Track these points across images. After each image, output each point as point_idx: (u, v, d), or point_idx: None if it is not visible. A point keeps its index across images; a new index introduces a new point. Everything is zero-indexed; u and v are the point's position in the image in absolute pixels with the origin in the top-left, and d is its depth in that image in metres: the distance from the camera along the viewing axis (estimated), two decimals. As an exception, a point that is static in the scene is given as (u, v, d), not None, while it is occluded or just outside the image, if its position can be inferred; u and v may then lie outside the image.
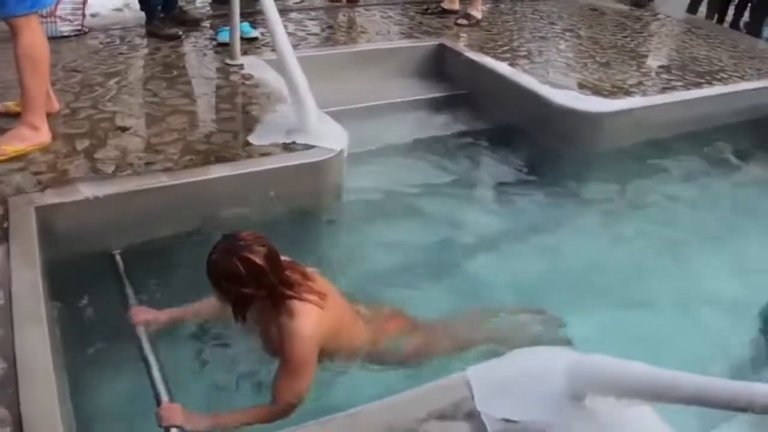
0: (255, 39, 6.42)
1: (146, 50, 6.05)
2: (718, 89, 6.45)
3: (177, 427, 2.85)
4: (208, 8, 7.25)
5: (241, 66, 5.79)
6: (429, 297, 4.14)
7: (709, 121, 6.23)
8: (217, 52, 6.10)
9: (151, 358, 3.17)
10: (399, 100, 6.33)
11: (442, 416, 2.65)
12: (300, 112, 4.64)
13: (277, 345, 3.02)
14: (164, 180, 4.02)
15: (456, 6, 7.90)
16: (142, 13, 6.46)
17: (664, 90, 6.27)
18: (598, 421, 2.58)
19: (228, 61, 5.84)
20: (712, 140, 6.18)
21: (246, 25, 6.34)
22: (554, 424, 2.59)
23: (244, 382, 3.34)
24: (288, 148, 4.48)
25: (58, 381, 2.74)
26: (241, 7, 5.65)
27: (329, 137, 4.59)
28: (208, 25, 6.78)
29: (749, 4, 9.53)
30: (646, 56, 7.26)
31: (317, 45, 6.66)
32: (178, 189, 4.03)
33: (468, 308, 4.01)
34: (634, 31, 8.12)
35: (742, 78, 6.76)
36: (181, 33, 6.38)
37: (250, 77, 5.61)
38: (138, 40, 6.24)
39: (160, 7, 6.46)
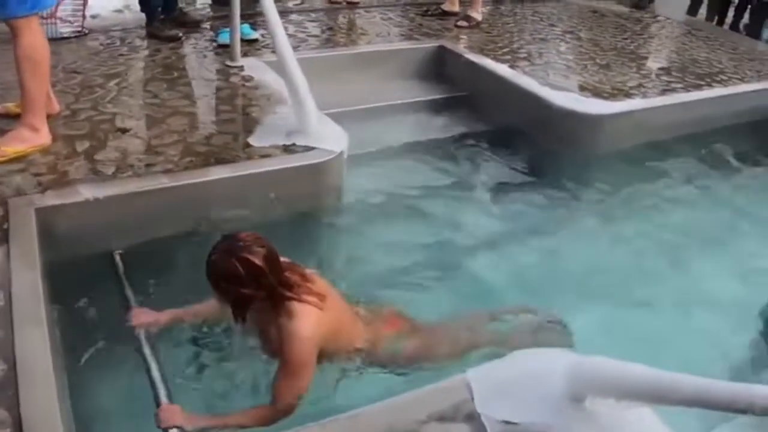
0: (255, 41, 6.43)
1: (146, 52, 6.05)
2: (718, 91, 6.46)
3: (177, 427, 2.85)
4: (209, 10, 7.27)
5: (241, 68, 5.79)
6: (429, 298, 4.14)
7: (709, 123, 6.23)
8: (217, 54, 6.10)
9: (151, 360, 3.17)
10: (399, 101, 6.33)
11: (442, 418, 2.64)
12: (300, 113, 4.64)
13: (276, 346, 3.02)
14: (164, 181, 4.02)
15: (456, 8, 7.91)
16: (143, 15, 6.47)
17: (664, 92, 6.27)
18: (598, 422, 2.57)
19: (228, 62, 5.85)
20: (712, 142, 6.18)
21: (246, 26, 6.35)
22: (554, 426, 2.59)
23: (243, 384, 3.33)
24: (288, 149, 4.48)
25: (58, 382, 2.74)
26: (242, 9, 5.65)
27: (329, 139, 4.59)
28: (208, 27, 6.79)
29: (749, 6, 9.54)
30: (646, 58, 7.27)
31: (317, 47, 6.67)
32: (179, 190, 4.03)
33: (468, 311, 4.00)
34: (634, 33, 8.13)
35: (741, 80, 6.77)
36: (181, 34, 6.39)
37: (250, 79, 5.61)
38: (138, 42, 6.25)
39: (160, 9, 6.47)
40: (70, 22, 6.07)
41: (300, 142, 4.53)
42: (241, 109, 5.11)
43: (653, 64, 7.11)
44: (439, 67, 6.90)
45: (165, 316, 3.39)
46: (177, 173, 4.12)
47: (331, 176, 4.52)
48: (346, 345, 3.25)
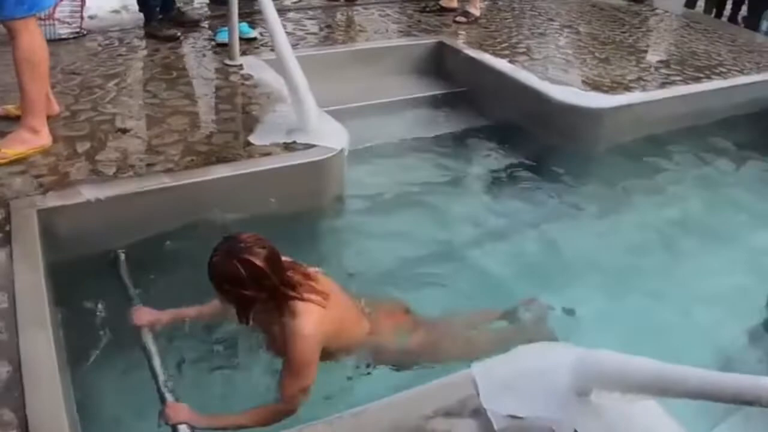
0: (254, 39, 6.43)
1: (145, 51, 6.05)
2: (717, 83, 6.45)
3: (184, 424, 2.86)
4: (206, 9, 7.25)
5: (240, 66, 5.79)
6: (431, 293, 4.14)
7: (708, 116, 6.24)
8: (216, 53, 6.10)
9: (155, 358, 3.17)
10: (398, 98, 6.33)
11: (448, 413, 2.65)
12: (300, 111, 4.64)
13: (280, 345, 3.03)
14: (166, 181, 4.02)
15: (454, 3, 7.91)
16: (140, 15, 6.47)
17: (663, 85, 6.27)
18: (603, 416, 2.57)
19: (227, 61, 5.84)
20: (712, 134, 6.18)
21: (244, 25, 6.33)
22: (560, 420, 2.59)
23: (248, 382, 3.33)
24: (289, 147, 4.48)
25: (63, 383, 2.74)
26: (239, 7, 5.65)
27: (329, 136, 4.60)
28: (206, 26, 6.78)
29: (747, -1, 9.54)
30: (645, 51, 7.26)
31: (316, 44, 6.66)
32: (180, 190, 4.03)
33: (471, 309, 4.01)
34: (633, 27, 8.11)
35: (741, 72, 6.76)
36: (179, 34, 6.38)
37: (249, 77, 5.61)
38: (137, 42, 6.24)
39: (158, 9, 6.46)
40: (68, 23, 6.06)
41: (300, 139, 4.53)
42: (241, 107, 5.11)
43: (652, 57, 7.10)
44: (438, 63, 6.90)
45: (168, 315, 3.38)
46: (178, 173, 4.12)
47: (331, 173, 4.53)
48: (350, 342, 3.25)
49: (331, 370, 3.20)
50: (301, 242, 4.24)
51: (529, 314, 3.87)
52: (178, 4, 6.82)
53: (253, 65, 5.83)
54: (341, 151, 4.51)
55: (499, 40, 7.12)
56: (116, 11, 6.91)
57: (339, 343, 3.18)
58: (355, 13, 7.77)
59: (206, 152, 4.36)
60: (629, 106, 5.81)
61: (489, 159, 5.81)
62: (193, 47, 6.25)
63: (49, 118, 4.36)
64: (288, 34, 5.52)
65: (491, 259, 4.57)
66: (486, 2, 8.45)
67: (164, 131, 4.60)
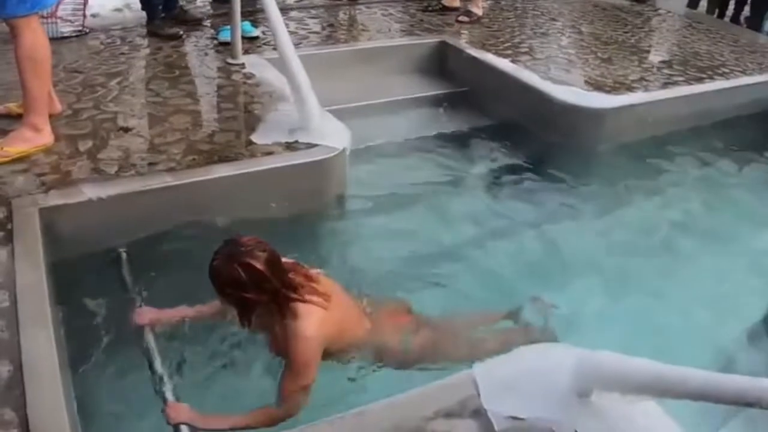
0: (256, 38, 6.42)
1: (147, 50, 6.05)
2: (719, 84, 6.44)
3: (185, 424, 2.86)
4: (209, 7, 7.26)
5: (242, 65, 5.79)
6: (434, 293, 4.13)
7: (711, 116, 6.23)
8: (218, 52, 6.10)
9: (157, 358, 3.17)
10: (401, 97, 6.33)
11: (449, 414, 2.65)
12: (302, 110, 4.64)
13: (282, 346, 3.04)
14: (168, 180, 4.02)
15: (457, 3, 7.90)
16: (143, 13, 6.47)
17: (665, 85, 6.26)
18: (604, 417, 2.58)
19: (229, 60, 5.84)
20: (715, 135, 6.17)
21: (247, 24, 6.34)
22: (561, 421, 2.59)
23: (249, 382, 3.34)
24: (291, 146, 4.48)
25: (64, 382, 2.75)
26: (242, 6, 5.65)
27: (332, 135, 4.59)
28: (208, 25, 6.78)
29: (750, -1, 9.52)
30: (647, 51, 7.26)
31: (318, 43, 6.66)
32: (182, 189, 4.03)
33: (473, 310, 4.01)
34: (635, 27, 8.11)
35: (743, 72, 6.75)
36: (182, 32, 6.38)
37: (251, 76, 5.61)
38: (139, 40, 6.24)
39: (161, 7, 6.46)
40: (70, 21, 6.07)
41: (303, 139, 4.53)
42: (243, 106, 5.11)
43: (655, 57, 7.10)
44: (441, 63, 6.90)
45: (169, 314, 3.39)
46: (180, 172, 4.12)
47: (334, 173, 4.53)
48: (352, 343, 3.26)
49: (333, 370, 3.20)
50: (303, 241, 4.24)
51: (533, 314, 3.87)
52: (180, 3, 6.84)
53: (255, 64, 5.83)
54: (343, 150, 4.51)
55: (501, 39, 7.12)
56: (119, 9, 6.91)
57: (341, 344, 3.18)
58: (357, 12, 7.78)
59: (208, 151, 4.36)
60: (631, 106, 5.81)
61: (491, 159, 5.81)
62: (195, 46, 6.25)
63: (51, 116, 4.37)
64: (290, 32, 5.53)
65: (493, 259, 4.58)
66: (488, 2, 8.46)
67: (166, 130, 4.60)
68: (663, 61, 6.93)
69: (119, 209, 3.86)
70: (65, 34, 6.03)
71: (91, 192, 3.81)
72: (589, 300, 4.18)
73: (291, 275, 3.00)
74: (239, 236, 2.94)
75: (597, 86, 6.03)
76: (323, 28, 7.11)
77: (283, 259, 3.05)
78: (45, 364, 2.74)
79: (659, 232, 4.98)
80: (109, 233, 3.85)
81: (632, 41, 7.48)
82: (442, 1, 7.95)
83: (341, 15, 7.64)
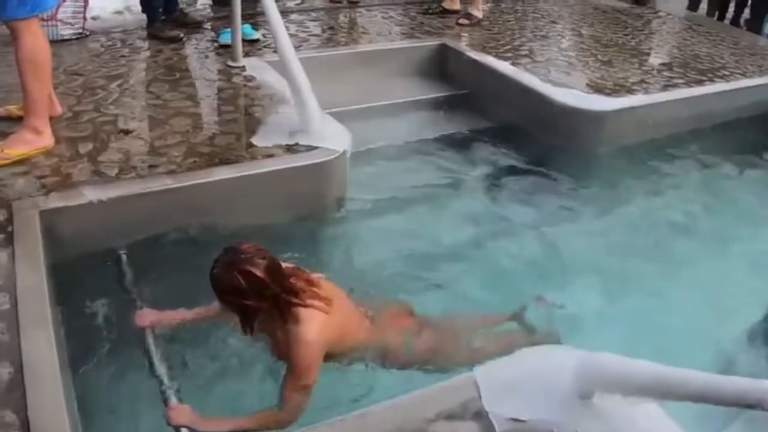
0: (256, 41, 6.42)
1: (148, 53, 6.05)
2: (719, 86, 6.45)
3: (186, 427, 2.86)
4: (209, 10, 7.26)
5: (242, 68, 5.79)
6: (435, 295, 4.14)
7: (711, 119, 6.24)
8: (218, 54, 6.10)
9: (158, 360, 3.17)
10: (401, 100, 6.33)
11: (450, 416, 2.65)
12: (303, 113, 4.64)
13: (284, 350, 3.04)
14: (168, 182, 4.02)
15: (457, 6, 7.91)
16: (143, 16, 6.47)
17: (666, 88, 6.27)
18: (606, 419, 2.57)
19: (230, 62, 5.84)
20: (714, 137, 6.17)
21: (247, 26, 6.34)
22: (562, 423, 2.59)
23: (250, 384, 3.34)
24: (291, 149, 4.48)
25: (64, 384, 2.74)
26: (242, 9, 5.64)
27: (332, 138, 4.59)
28: (209, 27, 6.78)
29: (749, 1, 9.52)
30: (647, 54, 7.27)
31: (319, 46, 6.67)
32: (182, 191, 4.02)
33: (476, 312, 4.01)
34: (635, 29, 8.12)
35: (743, 75, 6.76)
36: (182, 35, 6.38)
37: (252, 79, 5.61)
38: (139, 43, 6.25)
39: (161, 10, 6.46)
40: (70, 23, 6.07)
41: (303, 141, 4.53)
42: (243, 109, 5.11)
43: (655, 59, 7.11)
44: (441, 66, 6.90)
45: (170, 316, 3.39)
46: (180, 174, 4.12)
47: (334, 175, 4.52)
48: (353, 346, 3.26)
49: (335, 372, 3.20)
50: (303, 243, 4.24)
51: (537, 315, 3.87)
52: (180, 6, 6.83)
53: (255, 67, 5.83)
54: (344, 153, 4.50)
55: (501, 42, 7.12)
56: (119, 12, 6.91)
57: (342, 347, 3.19)
58: (357, 15, 7.78)
59: (209, 154, 4.36)
60: (631, 108, 5.81)
61: (491, 161, 5.81)
62: (195, 49, 6.25)
63: (51, 119, 4.37)
64: (291, 35, 5.52)
65: (494, 261, 4.58)
66: (489, 4, 8.46)
67: (167, 132, 4.59)
68: (663, 64, 6.93)
69: (120, 211, 3.85)
70: (65, 37, 6.03)
71: (91, 194, 3.81)
72: (589, 301, 4.18)
73: (292, 280, 3.01)
74: (239, 243, 2.94)
75: (597, 89, 6.03)
76: (323, 31, 7.12)
77: (285, 265, 3.06)
78: (45, 366, 2.74)
79: (659, 234, 4.98)
80: (110, 235, 3.84)
81: (632, 44, 7.49)
82: (443, 4, 7.96)
83: (341, 18, 7.64)
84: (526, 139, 5.88)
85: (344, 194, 4.66)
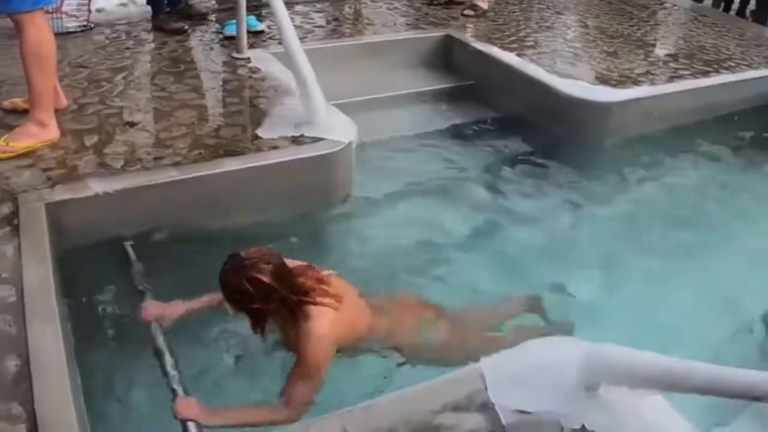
0: (261, 32, 6.43)
1: (153, 45, 6.05)
2: (726, 77, 6.42)
3: (192, 420, 2.86)
4: (214, 2, 7.24)
5: (248, 59, 5.79)
6: (443, 285, 4.16)
7: (717, 110, 6.23)
8: (223, 46, 6.10)
9: (165, 352, 3.17)
10: (406, 91, 6.34)
11: (456, 408, 2.65)
12: (308, 104, 4.63)
13: (294, 347, 3.07)
14: (174, 174, 4.02)
15: (462, -4, 7.90)
16: (148, 8, 6.48)
17: (671, 79, 6.25)
18: (612, 411, 2.57)
19: (235, 54, 5.84)
20: (720, 129, 6.16)
21: (252, 18, 6.33)
22: (568, 415, 2.59)
23: (259, 375, 3.35)
24: (296, 141, 4.47)
25: (71, 376, 2.74)
26: (247, 0, 5.63)
27: (338, 129, 4.59)
28: (214, 19, 6.78)
29: (755, -8, 9.51)
30: (653, 45, 7.24)
31: (324, 37, 6.66)
32: (188, 183, 4.02)
33: (490, 303, 4.01)
34: (641, 20, 8.10)
35: (749, 66, 6.74)
36: (187, 27, 6.39)
37: (257, 70, 5.60)
38: (144, 35, 6.25)
39: (166, 2, 6.46)
40: (75, 16, 6.07)
41: (308, 133, 4.52)
42: (248, 100, 5.11)
43: (660, 50, 7.09)
44: (446, 57, 6.90)
45: (177, 308, 3.39)
46: (186, 166, 4.12)
47: (340, 167, 4.52)
48: (364, 339, 3.28)
49: (344, 365, 3.21)
50: (309, 235, 4.26)
51: (551, 307, 3.89)
52: (185, -3, 6.83)
53: (260, 58, 5.83)
54: (349, 144, 4.50)
55: (507, 33, 7.11)
56: (124, 4, 6.90)
57: (353, 342, 3.22)
58: (362, 5, 7.77)
59: (214, 146, 4.36)
60: (637, 100, 5.79)
61: (496, 152, 5.81)
62: (200, 40, 6.25)
63: (56, 111, 4.37)
64: (296, 27, 5.51)
65: (501, 252, 4.59)
66: (494, -5, 8.45)
67: (172, 124, 4.60)
68: (669, 55, 6.91)
69: (125, 203, 3.86)
70: (70, 29, 6.04)
71: (97, 186, 3.82)
72: (595, 293, 4.19)
73: (301, 279, 3.03)
74: (243, 250, 2.96)
75: (603, 80, 6.02)
76: (328, 22, 7.11)
77: (296, 263, 3.11)
78: (52, 359, 2.74)
79: (665, 225, 4.98)
80: (116, 227, 3.85)
81: (638, 35, 7.47)
82: (448, -5, 7.94)
83: (346, 9, 7.64)
84: (531, 130, 5.88)
85: (350, 185, 4.65)
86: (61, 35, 5.63)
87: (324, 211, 4.51)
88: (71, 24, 6.05)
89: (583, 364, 2.61)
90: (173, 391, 3.00)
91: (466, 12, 7.58)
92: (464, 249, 4.56)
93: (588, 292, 4.17)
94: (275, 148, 4.40)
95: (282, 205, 4.26)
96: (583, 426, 2.56)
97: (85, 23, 6.17)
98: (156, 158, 4.17)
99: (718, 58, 6.85)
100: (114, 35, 6.17)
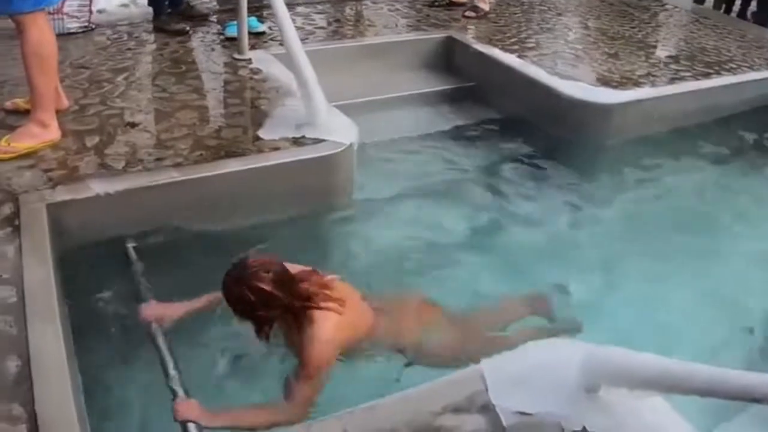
0: (262, 33, 6.42)
1: (154, 46, 6.05)
2: (727, 79, 6.42)
3: (193, 422, 2.86)
4: (215, 3, 7.23)
5: (249, 60, 5.78)
6: (446, 286, 4.15)
7: (718, 112, 6.22)
8: (224, 47, 6.10)
9: (166, 353, 3.17)
10: (408, 93, 6.34)
11: (457, 409, 2.65)
12: (309, 106, 4.63)
13: (297, 348, 3.09)
14: (175, 175, 4.02)
15: (463, -2, 7.90)
16: (149, 9, 6.48)
17: (672, 80, 6.24)
18: (612, 412, 2.57)
19: (236, 55, 5.84)
20: (721, 130, 6.16)
21: (253, 19, 6.32)
22: (569, 417, 2.59)
23: (260, 376, 3.35)
24: (298, 142, 4.47)
25: (72, 377, 2.75)
26: (248, 1, 5.63)
27: (339, 131, 4.59)
28: (215, 20, 6.78)
29: (757, -6, 9.50)
30: (654, 47, 7.24)
31: (325, 39, 6.66)
32: (189, 184, 4.03)
33: (495, 304, 4.02)
34: (642, 22, 8.09)
35: (750, 68, 6.73)
36: (188, 28, 6.38)
37: (258, 72, 5.60)
38: (145, 36, 6.25)
39: (167, 3, 6.47)
40: (76, 17, 6.07)
41: (310, 134, 4.53)
42: (249, 102, 5.10)
43: (661, 52, 7.08)
44: (448, 58, 6.89)
45: (178, 308, 3.39)
46: (187, 167, 4.12)
47: (341, 168, 4.51)
48: (367, 344, 3.30)
49: (346, 366, 3.21)
50: (310, 236, 4.27)
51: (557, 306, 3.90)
52: (186, -2, 6.83)
53: (262, 59, 5.83)
54: (351, 145, 4.50)
55: (508, 34, 7.11)
56: (125, 5, 6.89)
57: (356, 345, 3.23)
58: (364, 7, 7.77)
59: (215, 147, 4.36)
60: (638, 101, 5.79)
61: (497, 153, 5.81)
62: (202, 41, 6.25)
63: (58, 112, 4.37)
64: (297, 28, 5.51)
65: (503, 254, 4.60)
66: (495, -3, 8.45)
67: (173, 125, 4.60)
68: (670, 57, 6.91)
69: (126, 204, 3.86)
70: (71, 30, 6.04)
71: (98, 187, 3.82)
72: (595, 294, 4.20)
73: (304, 285, 3.05)
74: (245, 258, 2.99)
75: (604, 81, 6.01)
76: (329, 24, 7.11)
77: (299, 268, 3.13)
78: (53, 359, 2.74)
79: (666, 227, 4.97)
80: (117, 228, 3.86)
81: (639, 36, 7.46)
82: (449, -4, 7.94)
83: (348, 10, 7.63)
84: (532, 131, 5.88)
85: (351, 187, 4.65)
86: (62, 36, 5.62)
87: (325, 212, 4.51)
88: (72, 25, 6.05)
89: (583, 366, 2.61)
90: (173, 392, 3.00)
91: (467, 13, 7.58)
92: (465, 250, 4.56)
93: (588, 293, 4.17)
94: (276, 149, 4.40)
95: (283, 207, 4.26)
96: (584, 428, 2.55)
97: (86, 24, 6.17)
98: (157, 159, 4.17)
99: (719, 60, 6.85)
100: (115, 36, 6.18)
